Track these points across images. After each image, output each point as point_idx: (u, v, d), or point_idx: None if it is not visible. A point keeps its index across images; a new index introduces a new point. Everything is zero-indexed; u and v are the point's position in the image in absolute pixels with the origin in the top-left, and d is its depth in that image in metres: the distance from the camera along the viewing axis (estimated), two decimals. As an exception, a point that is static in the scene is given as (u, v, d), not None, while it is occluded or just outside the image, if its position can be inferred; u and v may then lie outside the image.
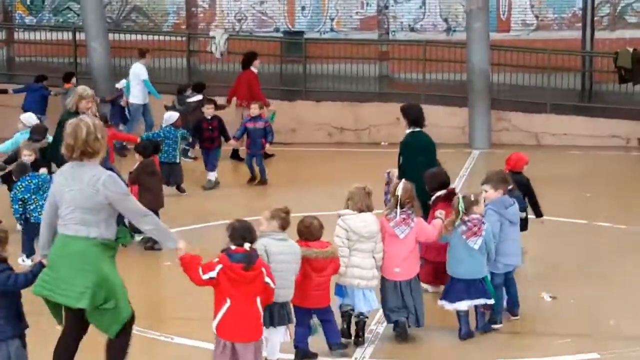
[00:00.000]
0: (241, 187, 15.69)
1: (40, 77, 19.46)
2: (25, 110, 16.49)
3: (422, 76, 21.26)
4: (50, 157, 11.40)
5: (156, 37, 23.78)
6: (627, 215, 13.04)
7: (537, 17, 24.24)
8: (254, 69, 18.29)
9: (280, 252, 7.43)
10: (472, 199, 8.48)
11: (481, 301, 8.36)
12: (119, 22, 25.77)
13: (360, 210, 8.18)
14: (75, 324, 6.92)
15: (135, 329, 8.43)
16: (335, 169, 17.24)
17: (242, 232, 6.94)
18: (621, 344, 8.34)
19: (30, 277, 6.74)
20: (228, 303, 6.83)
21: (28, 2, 26.55)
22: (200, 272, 6.82)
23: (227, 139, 16.00)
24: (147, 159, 12.01)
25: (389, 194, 9.13)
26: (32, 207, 10.75)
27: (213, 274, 6.81)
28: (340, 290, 8.25)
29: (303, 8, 25.27)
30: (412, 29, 24.74)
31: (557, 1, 24.17)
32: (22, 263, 10.34)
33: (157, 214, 10.16)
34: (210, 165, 15.64)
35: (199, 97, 18.20)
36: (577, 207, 13.98)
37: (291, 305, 7.65)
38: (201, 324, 8.83)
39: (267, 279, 6.99)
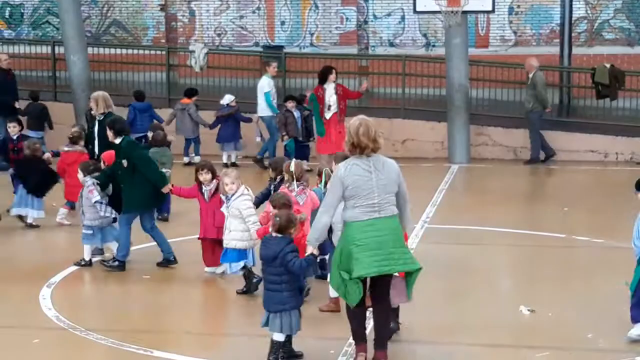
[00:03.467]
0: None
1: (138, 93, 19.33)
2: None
3: (401, 91, 21.34)
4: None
5: (135, 51, 23.78)
6: (605, 230, 13.10)
7: (515, 32, 24.39)
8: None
9: None
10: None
11: None
12: (98, 36, 25.75)
13: None
14: (366, 292, 7.81)
15: (112, 342, 8.45)
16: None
17: None
18: (599, 356, 8.39)
19: (305, 265, 7.73)
20: None
21: (7, 16, 26.50)
22: None
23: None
24: None
25: (284, 172, 10.21)
26: None
27: None
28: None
29: (283, 23, 25.33)
30: (391, 44, 24.85)
31: (535, 17, 24.34)
32: None
33: None
34: None
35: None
36: (555, 222, 14.04)
37: None
38: (181, 337, 8.85)
39: None
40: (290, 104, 18.24)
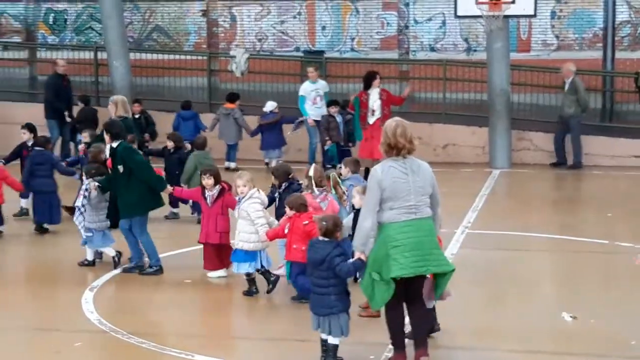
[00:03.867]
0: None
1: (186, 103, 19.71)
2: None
3: (442, 95, 21.28)
4: None
5: (177, 57, 23.93)
6: (649, 236, 12.96)
7: (557, 37, 24.23)
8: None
9: None
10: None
11: None
12: (140, 42, 25.95)
13: None
14: (401, 294, 7.80)
15: (154, 346, 8.49)
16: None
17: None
18: (642, 364, 8.30)
19: (352, 269, 7.79)
20: None
21: (51, 22, 26.79)
22: None
23: None
24: None
25: (304, 177, 10.50)
26: None
27: None
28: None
29: (323, 28, 25.36)
30: (432, 49, 24.78)
31: (577, 22, 24.16)
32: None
33: None
34: None
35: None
36: (598, 227, 13.92)
37: None
38: (222, 342, 8.88)
39: None
40: (333, 109, 18.24)
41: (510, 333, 9.01)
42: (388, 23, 25.08)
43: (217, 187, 10.79)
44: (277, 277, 10.18)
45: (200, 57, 23.64)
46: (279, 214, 10.58)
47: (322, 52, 24.57)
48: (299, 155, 19.52)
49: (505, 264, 11.85)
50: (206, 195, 10.82)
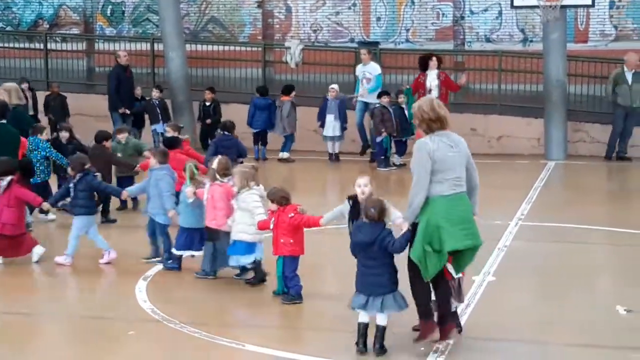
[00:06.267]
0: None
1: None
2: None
3: (497, 86, 21.12)
4: None
5: (232, 48, 24.05)
6: None
7: (616, 27, 23.92)
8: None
9: None
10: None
11: None
12: (196, 33, 26.11)
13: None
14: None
15: (205, 336, 8.56)
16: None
17: None
18: (698, 359, 8.18)
19: (403, 242, 7.88)
20: None
21: (108, 14, 27.07)
22: None
23: None
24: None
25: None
26: None
27: None
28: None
29: (378, 19, 25.31)
30: (488, 40, 24.61)
31: (637, 11, 23.83)
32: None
33: None
34: None
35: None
36: (654, 220, 13.74)
37: None
38: (274, 333, 8.92)
39: None
40: (385, 99, 18.24)
41: (565, 326, 8.92)
42: (443, 14, 24.95)
43: (8, 178, 11.12)
44: (266, 274, 10.24)
45: (255, 49, 23.74)
46: (74, 204, 11.19)
47: (376, 43, 24.52)
48: (352, 147, 19.59)
49: (559, 256, 11.74)
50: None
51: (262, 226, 9.88)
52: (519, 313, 9.30)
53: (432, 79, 17.62)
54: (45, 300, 10.22)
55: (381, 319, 7.99)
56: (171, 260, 10.97)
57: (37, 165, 13.19)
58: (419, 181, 7.77)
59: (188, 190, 10.65)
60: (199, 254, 10.74)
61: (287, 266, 9.63)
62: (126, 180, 13.87)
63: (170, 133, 14.49)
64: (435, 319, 8.05)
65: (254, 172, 10.22)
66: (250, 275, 10.36)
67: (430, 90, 17.49)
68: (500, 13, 24.60)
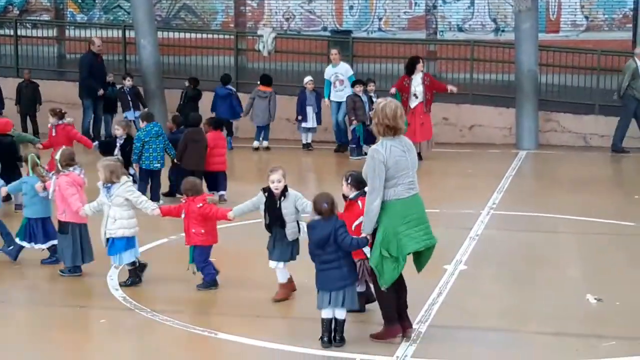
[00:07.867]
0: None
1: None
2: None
3: (469, 76, 21.18)
4: None
5: (204, 36, 23.95)
6: (676, 218, 12.88)
7: (587, 17, 24.05)
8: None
9: None
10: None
11: None
12: (168, 20, 25.98)
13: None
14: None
15: (177, 324, 8.54)
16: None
17: None
18: (668, 347, 8.25)
19: (355, 244, 7.95)
20: None
21: (79, 0, 26.87)
22: None
23: None
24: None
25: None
26: (146, 154, 13.58)
27: None
28: None
29: (351, 7, 25.30)
30: (460, 29, 24.67)
31: (607, 2, 23.96)
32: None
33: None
34: None
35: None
36: (624, 210, 13.84)
37: None
38: (246, 320, 8.91)
39: None
40: (357, 88, 18.26)
41: (535, 314, 8.99)
42: (416, 3, 24.98)
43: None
44: (145, 264, 10.15)
45: (227, 36, 23.64)
46: None
47: (349, 32, 24.51)
48: (325, 135, 19.58)
49: (530, 245, 11.82)
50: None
51: (167, 212, 10.02)
52: (490, 301, 9.36)
53: (416, 84, 17.43)
54: (16, 289, 10.15)
55: (340, 313, 8.04)
56: (11, 247, 10.90)
57: None
58: (374, 190, 7.84)
59: (37, 185, 10.62)
60: (41, 247, 10.74)
61: (198, 255, 9.71)
62: None
63: (119, 132, 14.29)
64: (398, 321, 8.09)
65: (118, 164, 10.18)
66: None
67: (415, 95, 17.41)
68: (472, 2, 24.66)
